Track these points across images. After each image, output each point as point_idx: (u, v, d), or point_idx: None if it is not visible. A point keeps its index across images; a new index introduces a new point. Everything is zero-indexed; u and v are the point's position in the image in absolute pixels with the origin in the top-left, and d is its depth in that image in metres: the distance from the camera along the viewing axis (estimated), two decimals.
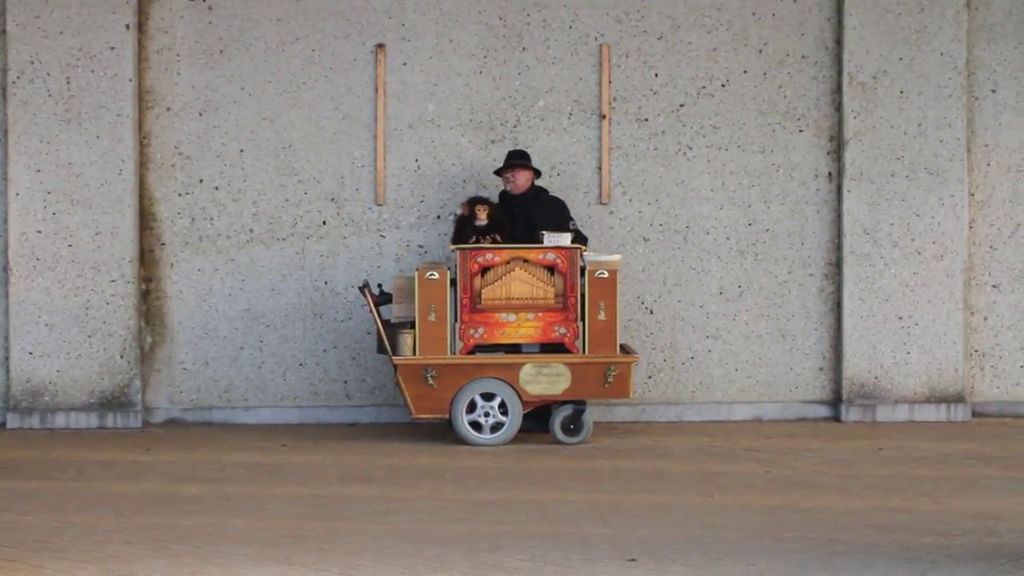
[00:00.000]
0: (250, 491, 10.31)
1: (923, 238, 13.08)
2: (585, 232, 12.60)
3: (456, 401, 11.93)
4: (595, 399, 12.22)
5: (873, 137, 13.07)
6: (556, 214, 12.40)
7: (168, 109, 12.97)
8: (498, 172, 12.57)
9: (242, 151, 13.01)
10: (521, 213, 12.31)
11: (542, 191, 12.56)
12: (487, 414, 11.98)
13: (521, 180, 12.46)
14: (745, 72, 13.16)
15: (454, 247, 12.01)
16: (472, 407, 11.98)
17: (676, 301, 13.15)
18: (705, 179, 13.16)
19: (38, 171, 12.76)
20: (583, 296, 11.92)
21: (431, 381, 11.90)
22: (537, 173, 12.57)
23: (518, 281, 11.91)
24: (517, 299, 11.90)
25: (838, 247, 13.17)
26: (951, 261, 13.09)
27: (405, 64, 13.05)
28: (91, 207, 12.77)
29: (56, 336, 12.74)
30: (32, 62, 12.73)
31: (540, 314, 11.92)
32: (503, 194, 12.53)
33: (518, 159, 12.50)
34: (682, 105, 13.14)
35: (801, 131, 13.19)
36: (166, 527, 9.21)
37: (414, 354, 11.91)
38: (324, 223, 13.04)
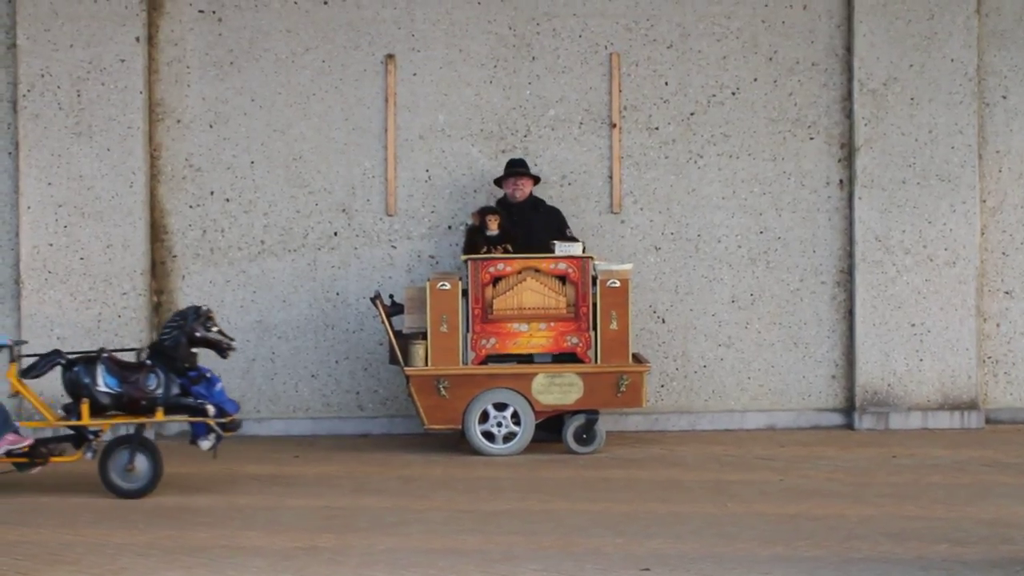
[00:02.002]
0: (262, 503, 10.30)
1: (935, 245, 13.06)
2: (587, 242, 12.60)
3: (468, 411, 11.92)
4: (608, 408, 12.20)
5: (884, 144, 13.05)
6: (555, 223, 12.41)
7: (178, 121, 12.98)
8: (499, 181, 12.56)
9: (253, 163, 13.02)
10: (520, 222, 12.29)
11: (540, 201, 12.56)
12: (500, 424, 11.97)
13: (528, 188, 12.47)
14: (755, 80, 13.15)
15: (465, 257, 11.99)
16: (485, 417, 11.97)
17: (688, 310, 13.14)
18: (716, 187, 13.15)
19: (49, 184, 12.78)
20: (595, 305, 11.90)
21: (443, 392, 11.89)
22: (536, 180, 12.58)
23: (530, 291, 11.90)
24: (529, 309, 11.88)
25: (850, 254, 13.15)
26: (963, 268, 13.06)
27: (415, 74, 13.05)
28: (102, 220, 12.78)
29: (68, 349, 12.70)
30: (42, 75, 12.75)
31: (552, 324, 11.91)
32: (501, 202, 12.51)
33: (522, 167, 12.50)
34: (692, 113, 13.13)
35: (812, 139, 13.18)
36: (178, 539, 9.21)
37: (426, 365, 11.89)
38: (335, 234, 13.04)
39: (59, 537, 9.30)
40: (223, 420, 10.64)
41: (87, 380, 10.56)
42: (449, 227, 13.04)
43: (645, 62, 13.11)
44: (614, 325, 11.89)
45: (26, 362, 10.77)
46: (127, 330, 12.74)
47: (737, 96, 13.15)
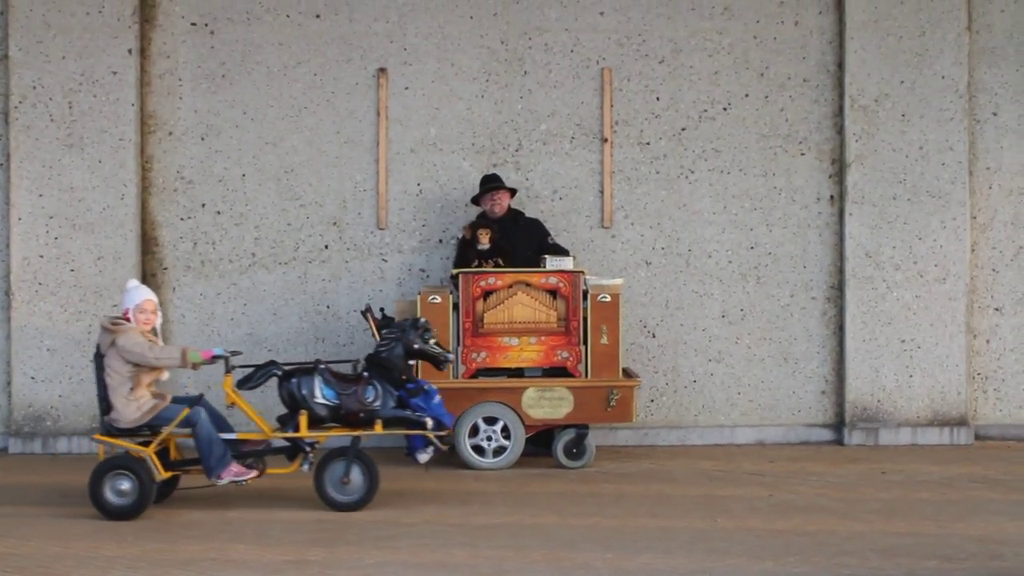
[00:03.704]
0: (252, 516, 10.29)
1: (925, 261, 13.08)
2: (578, 256, 12.61)
3: (459, 425, 11.91)
4: (598, 423, 12.19)
5: (875, 160, 13.07)
6: (537, 234, 12.42)
7: (170, 133, 12.99)
8: (476, 200, 12.54)
9: (244, 175, 13.02)
10: (502, 237, 12.27)
11: (519, 213, 12.57)
12: (490, 438, 11.96)
13: (505, 202, 12.47)
14: (747, 95, 13.17)
15: (456, 271, 12.00)
16: (475, 431, 11.96)
17: (678, 325, 13.15)
18: (707, 202, 13.17)
19: (40, 196, 12.77)
20: (585, 320, 11.91)
21: None
22: (513, 192, 12.58)
23: (520, 305, 11.90)
24: (519, 323, 11.89)
25: (840, 270, 13.17)
26: (953, 284, 13.08)
27: (407, 88, 13.06)
28: (93, 232, 12.78)
29: (58, 361, 12.75)
30: (34, 87, 12.75)
31: (542, 338, 11.91)
32: (480, 219, 12.49)
33: (496, 182, 12.49)
34: (684, 128, 13.15)
35: (803, 154, 13.20)
36: (168, 552, 9.20)
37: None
38: (326, 247, 13.05)
39: (48, 550, 9.29)
40: (441, 433, 10.55)
41: (304, 392, 10.48)
42: (440, 240, 13.04)
43: (637, 77, 13.14)
44: (604, 339, 11.89)
45: (241, 373, 10.71)
46: None
47: (728, 111, 13.17)
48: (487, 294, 11.91)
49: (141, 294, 10.48)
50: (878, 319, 13.08)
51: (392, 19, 13.04)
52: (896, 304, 13.09)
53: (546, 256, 12.09)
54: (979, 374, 13.33)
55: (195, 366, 10.38)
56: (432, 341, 10.68)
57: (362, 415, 10.50)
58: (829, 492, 11.06)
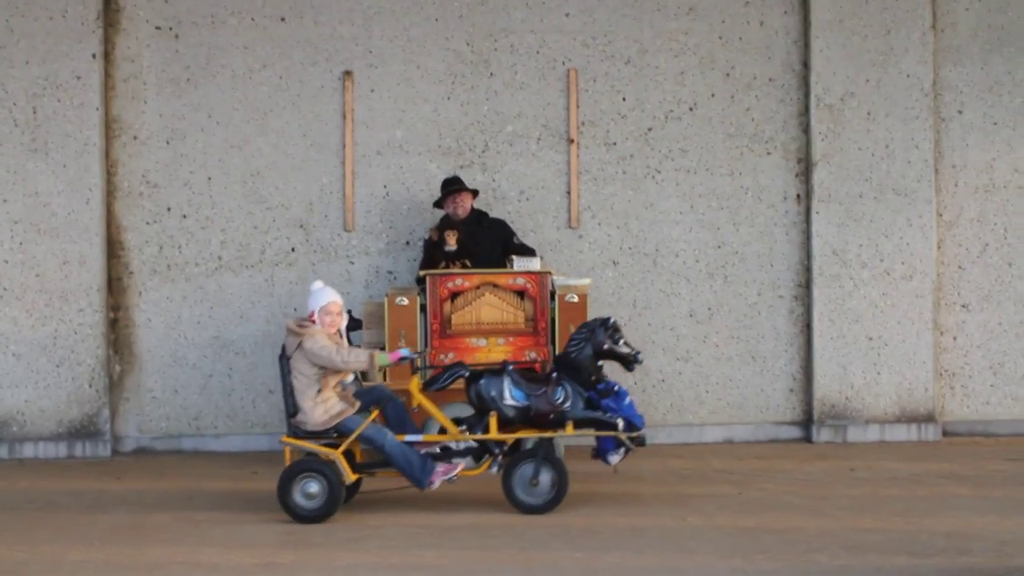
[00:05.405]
0: (220, 520, 10.25)
1: (892, 259, 13.11)
2: (545, 256, 12.61)
3: (427, 427, 11.87)
4: None
5: (841, 159, 13.10)
6: (501, 234, 12.40)
7: (135, 138, 12.94)
8: (438, 203, 12.51)
9: (210, 179, 12.99)
10: (468, 238, 12.25)
11: (482, 214, 12.55)
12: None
13: (468, 203, 12.44)
14: (713, 95, 13.19)
15: (423, 272, 11.97)
16: (443, 432, 11.91)
17: (646, 324, 13.16)
18: (674, 202, 13.18)
19: (5, 201, 12.72)
20: (553, 320, 11.90)
21: None
22: (475, 194, 12.56)
23: (488, 306, 11.88)
24: (487, 324, 11.86)
25: (807, 268, 13.19)
26: (920, 281, 13.12)
27: (373, 91, 13.05)
28: (58, 236, 12.73)
29: (24, 366, 12.69)
30: None
31: (510, 339, 11.89)
32: (445, 221, 12.47)
33: (458, 184, 12.47)
34: (650, 129, 13.16)
35: (769, 153, 13.22)
36: (136, 556, 9.16)
37: (384, 380, 11.85)
38: (293, 250, 13.02)
39: (14, 555, 9.24)
40: (633, 434, 10.43)
41: (493, 393, 10.39)
42: (407, 243, 13.03)
43: (603, 78, 13.14)
44: None
45: (428, 374, 10.63)
46: (83, 346, 12.68)
47: (694, 111, 13.19)
48: (454, 295, 11.90)
49: (327, 296, 10.38)
50: (845, 317, 13.11)
51: (357, 22, 13.03)
52: (863, 302, 13.12)
53: (513, 257, 12.08)
54: (946, 371, 13.37)
55: (382, 369, 10.29)
56: (622, 341, 10.55)
57: (552, 416, 10.39)
58: (798, 489, 11.08)
